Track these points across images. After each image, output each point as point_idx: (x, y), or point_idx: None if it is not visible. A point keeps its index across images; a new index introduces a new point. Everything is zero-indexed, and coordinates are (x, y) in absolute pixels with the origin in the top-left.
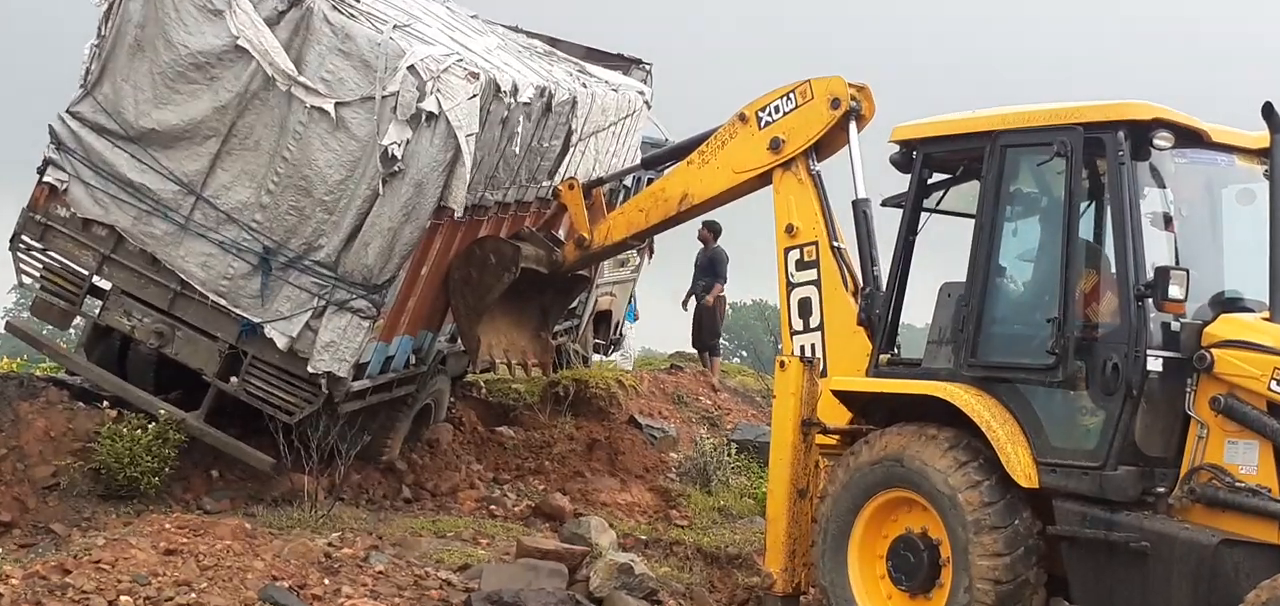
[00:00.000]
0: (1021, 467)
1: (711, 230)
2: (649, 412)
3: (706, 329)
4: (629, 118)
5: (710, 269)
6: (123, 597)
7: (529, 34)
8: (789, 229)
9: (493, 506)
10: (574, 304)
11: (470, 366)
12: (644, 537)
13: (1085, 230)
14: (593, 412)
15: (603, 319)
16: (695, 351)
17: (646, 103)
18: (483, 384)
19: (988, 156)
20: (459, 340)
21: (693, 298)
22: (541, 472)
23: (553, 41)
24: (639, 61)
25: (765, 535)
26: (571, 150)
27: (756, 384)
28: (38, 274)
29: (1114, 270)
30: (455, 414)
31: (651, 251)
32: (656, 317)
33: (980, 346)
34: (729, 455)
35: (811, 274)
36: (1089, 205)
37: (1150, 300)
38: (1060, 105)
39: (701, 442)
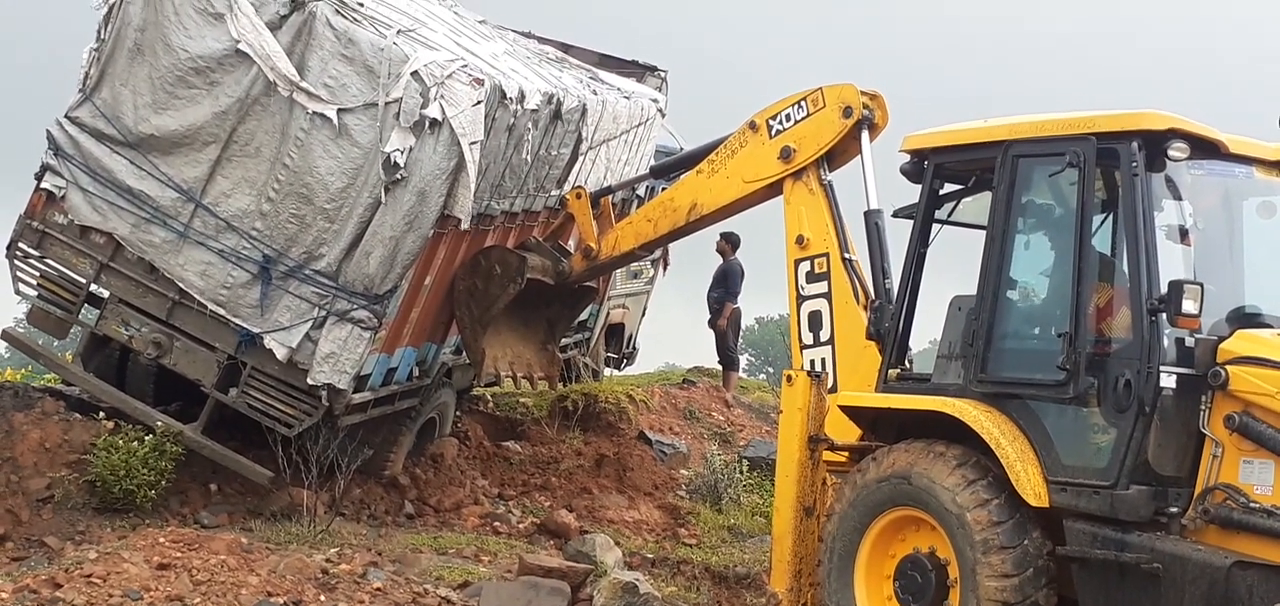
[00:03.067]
0: (1031, 486)
1: (730, 242)
2: (659, 428)
3: (721, 346)
4: (642, 126)
5: (723, 283)
6: None
7: (541, 40)
8: (799, 240)
9: (497, 523)
10: (584, 316)
11: (475, 379)
12: (651, 556)
13: (1099, 243)
14: (601, 428)
15: (615, 331)
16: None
17: (660, 110)
18: (489, 397)
19: (999, 166)
20: (464, 352)
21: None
22: (548, 489)
23: (565, 47)
24: (654, 68)
25: (771, 554)
26: (581, 158)
27: (773, 400)
28: (35, 282)
29: (1127, 284)
30: (461, 428)
31: (666, 263)
32: (675, 330)
33: (990, 361)
34: (741, 472)
35: (822, 286)
36: (1103, 218)
37: (1164, 315)
38: (1073, 115)
39: (712, 459)
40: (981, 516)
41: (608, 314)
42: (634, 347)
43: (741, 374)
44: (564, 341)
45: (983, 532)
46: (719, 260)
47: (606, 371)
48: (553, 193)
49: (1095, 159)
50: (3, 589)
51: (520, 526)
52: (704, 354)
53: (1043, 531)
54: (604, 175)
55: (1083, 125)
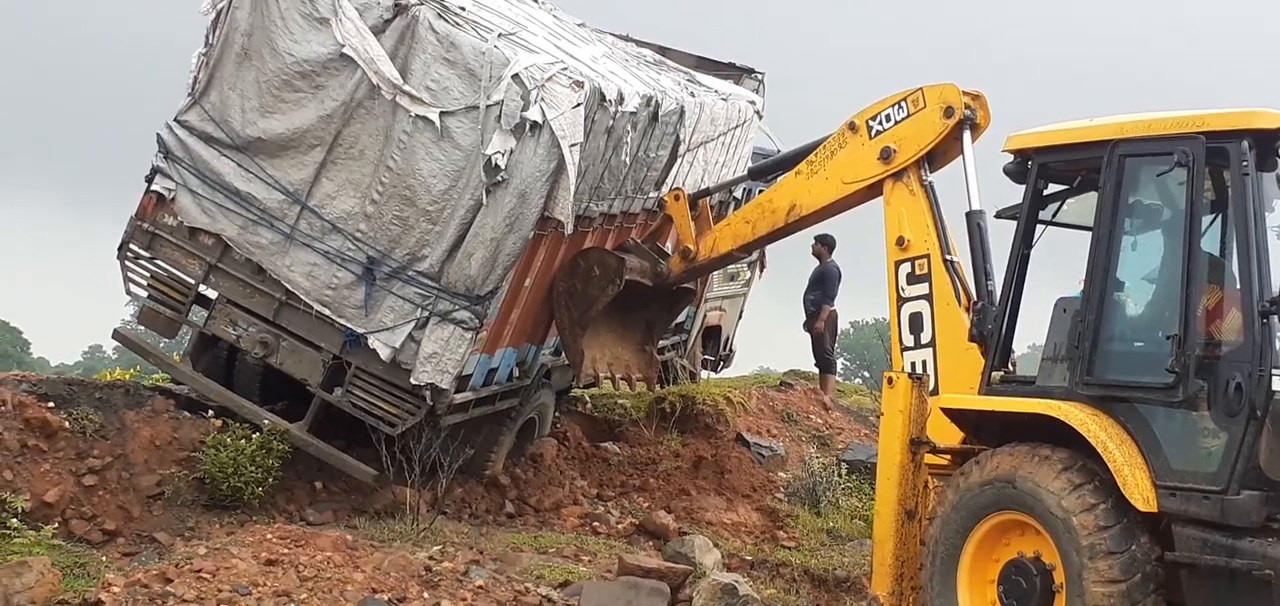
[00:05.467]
0: (1139, 491)
1: (825, 244)
2: (757, 431)
3: (818, 349)
4: (739, 128)
5: (819, 285)
6: None
7: (639, 43)
8: (900, 241)
9: (596, 523)
10: (681, 319)
11: (574, 380)
12: (749, 558)
13: (1208, 244)
14: (699, 430)
15: (712, 334)
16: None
17: (758, 112)
18: (588, 398)
19: (1106, 166)
20: (563, 354)
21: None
22: (646, 490)
23: (662, 50)
24: (751, 70)
25: (872, 557)
26: (679, 160)
27: (871, 403)
28: (145, 282)
29: (1238, 286)
30: (559, 429)
31: (763, 265)
32: (771, 334)
33: (1097, 364)
34: (839, 476)
35: (923, 288)
36: (1212, 218)
37: (1276, 317)
38: (1182, 114)
39: (810, 462)
40: (1088, 521)
41: (705, 316)
42: (731, 350)
43: (837, 378)
44: (662, 343)
45: (1089, 537)
46: (815, 263)
47: (703, 373)
48: (651, 195)
49: (1204, 158)
50: (114, 583)
51: (619, 527)
52: (799, 357)
53: (1151, 537)
54: (702, 177)
55: (1192, 124)
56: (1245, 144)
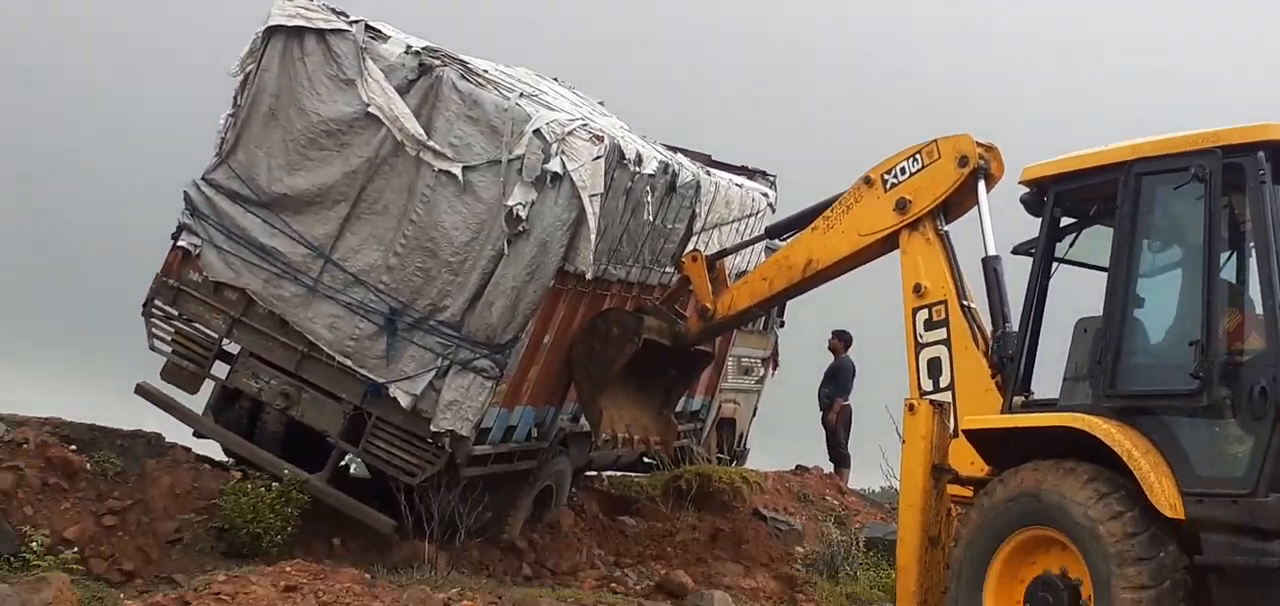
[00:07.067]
0: (1166, 498)
1: (842, 339)
2: (774, 508)
3: (832, 442)
4: (753, 217)
5: (834, 379)
6: None
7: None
8: (917, 289)
9: (614, 584)
10: (696, 407)
11: (593, 441)
12: None
13: (1227, 272)
14: (715, 506)
15: (726, 426)
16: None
17: (771, 205)
18: (604, 478)
19: (1123, 186)
20: (581, 419)
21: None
22: (663, 558)
23: (673, 149)
24: (764, 172)
25: (896, 586)
26: (694, 238)
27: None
28: (169, 338)
29: (1257, 310)
30: (576, 502)
31: (777, 364)
32: (778, 434)
33: (1119, 377)
34: (857, 550)
35: (941, 333)
36: (1230, 252)
37: None
38: (1197, 131)
39: (830, 533)
40: (1115, 529)
41: (719, 406)
42: (745, 447)
43: None
44: (679, 428)
45: (1117, 545)
46: (825, 360)
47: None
48: (667, 269)
49: (1221, 172)
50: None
51: (637, 588)
52: (805, 455)
53: (1178, 544)
54: None
55: (1207, 139)
56: (1261, 155)
